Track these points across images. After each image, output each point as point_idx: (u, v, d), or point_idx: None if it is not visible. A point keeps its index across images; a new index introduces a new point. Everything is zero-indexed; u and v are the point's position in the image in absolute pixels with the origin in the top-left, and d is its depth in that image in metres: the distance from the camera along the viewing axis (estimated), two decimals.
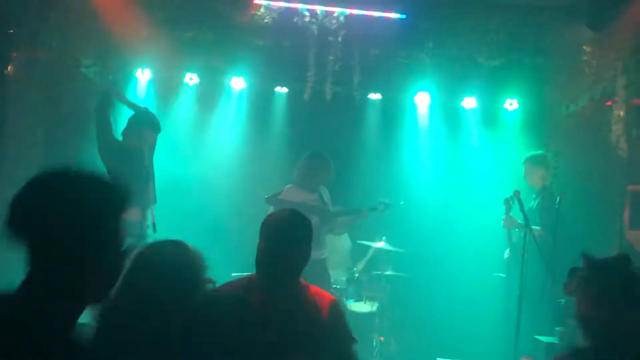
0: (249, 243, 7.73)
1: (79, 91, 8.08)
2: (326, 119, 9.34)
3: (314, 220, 6.46)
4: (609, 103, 7.85)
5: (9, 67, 7.78)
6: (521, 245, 7.12)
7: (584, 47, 7.84)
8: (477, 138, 9.75)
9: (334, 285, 8.34)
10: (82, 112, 7.98)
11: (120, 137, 7.26)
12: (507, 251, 8.09)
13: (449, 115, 9.77)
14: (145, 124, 7.26)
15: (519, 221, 7.46)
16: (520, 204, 7.12)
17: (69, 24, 7.85)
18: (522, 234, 7.23)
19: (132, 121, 7.32)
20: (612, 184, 8.04)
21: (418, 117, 9.84)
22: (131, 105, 7.39)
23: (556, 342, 7.25)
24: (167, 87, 9.38)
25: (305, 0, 7.90)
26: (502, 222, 7.85)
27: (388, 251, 8.56)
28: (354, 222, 8.48)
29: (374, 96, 9.74)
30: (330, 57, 8.27)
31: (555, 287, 7.28)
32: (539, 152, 8.41)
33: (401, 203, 8.54)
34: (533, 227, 7.20)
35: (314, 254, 6.40)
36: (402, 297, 8.77)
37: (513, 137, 9.44)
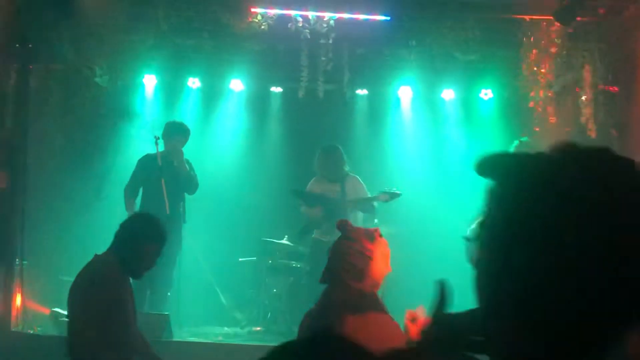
0: (252, 232, 9.05)
1: (93, 99, 8.65)
2: (318, 114, 9.95)
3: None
4: (577, 90, 8.56)
5: (28, 78, 8.41)
6: None
7: (555, 39, 8.44)
8: (457, 126, 10.36)
9: None
10: (97, 118, 8.67)
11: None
12: None
13: (430, 106, 10.40)
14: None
15: None
16: None
17: (82, 37, 8.41)
18: None
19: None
20: None
21: (402, 109, 10.47)
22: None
23: None
24: (171, 91, 10.05)
25: (298, 6, 8.49)
26: None
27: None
28: (369, 211, 8.72)
29: (361, 92, 10.30)
30: (322, 58, 8.82)
31: None
32: (524, 138, 8.41)
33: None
34: None
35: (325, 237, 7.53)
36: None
37: (490, 124, 10.05)
